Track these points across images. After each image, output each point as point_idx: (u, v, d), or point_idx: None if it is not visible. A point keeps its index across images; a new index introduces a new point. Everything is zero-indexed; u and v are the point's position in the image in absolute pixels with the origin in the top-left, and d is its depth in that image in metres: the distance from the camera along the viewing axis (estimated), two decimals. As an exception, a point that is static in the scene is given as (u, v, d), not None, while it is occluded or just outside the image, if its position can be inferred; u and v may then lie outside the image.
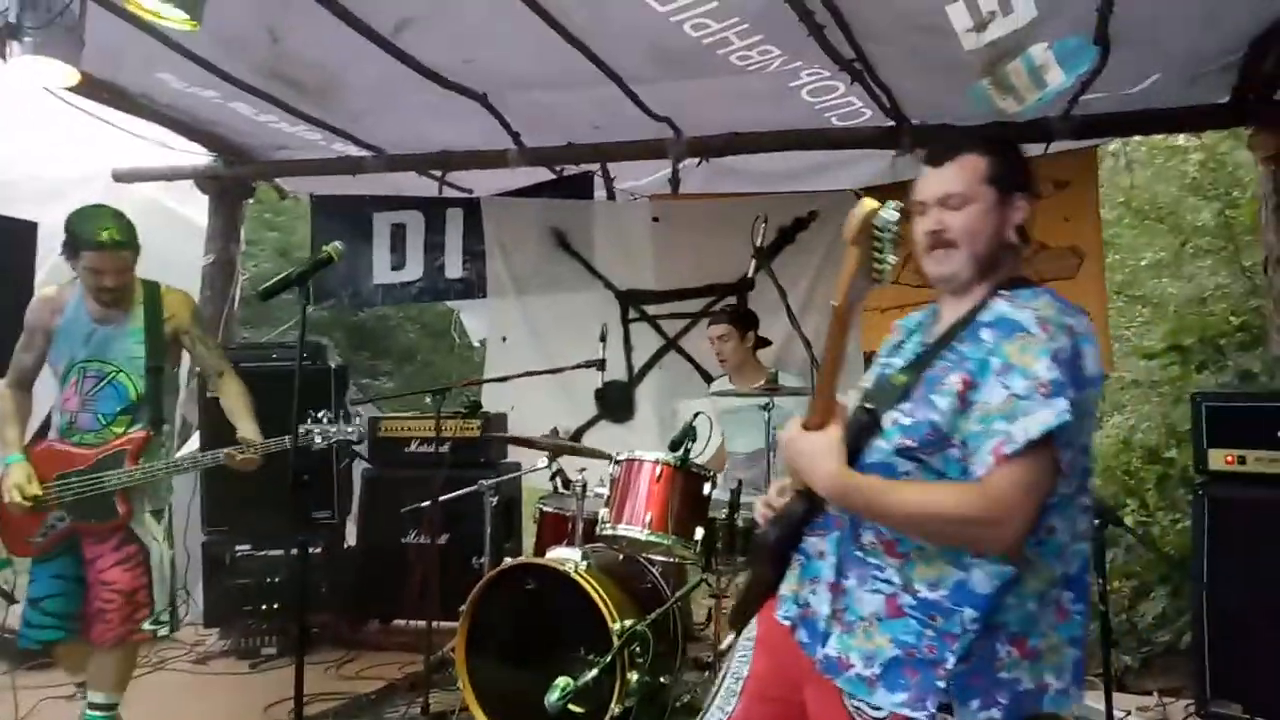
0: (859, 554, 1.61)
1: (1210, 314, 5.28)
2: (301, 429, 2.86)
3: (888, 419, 1.60)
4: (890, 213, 1.51)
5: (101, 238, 2.84)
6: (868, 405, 1.65)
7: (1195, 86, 3.91)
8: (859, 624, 1.58)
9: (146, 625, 2.91)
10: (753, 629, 1.78)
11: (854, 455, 1.60)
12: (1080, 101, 3.95)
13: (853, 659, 1.56)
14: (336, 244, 2.59)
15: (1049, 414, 1.43)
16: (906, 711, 1.51)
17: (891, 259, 1.52)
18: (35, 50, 3.01)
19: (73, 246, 2.90)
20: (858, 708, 1.56)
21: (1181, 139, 6.11)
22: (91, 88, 3.87)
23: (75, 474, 2.87)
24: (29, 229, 4.08)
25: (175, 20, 2.68)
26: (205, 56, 3.69)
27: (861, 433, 1.62)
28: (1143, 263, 6.95)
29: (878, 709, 1.54)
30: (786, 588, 1.72)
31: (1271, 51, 3.57)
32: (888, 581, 1.57)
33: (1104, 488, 5.26)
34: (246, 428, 3.03)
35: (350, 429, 2.94)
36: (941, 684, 1.50)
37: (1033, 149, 4.37)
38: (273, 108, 4.24)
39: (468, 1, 3.22)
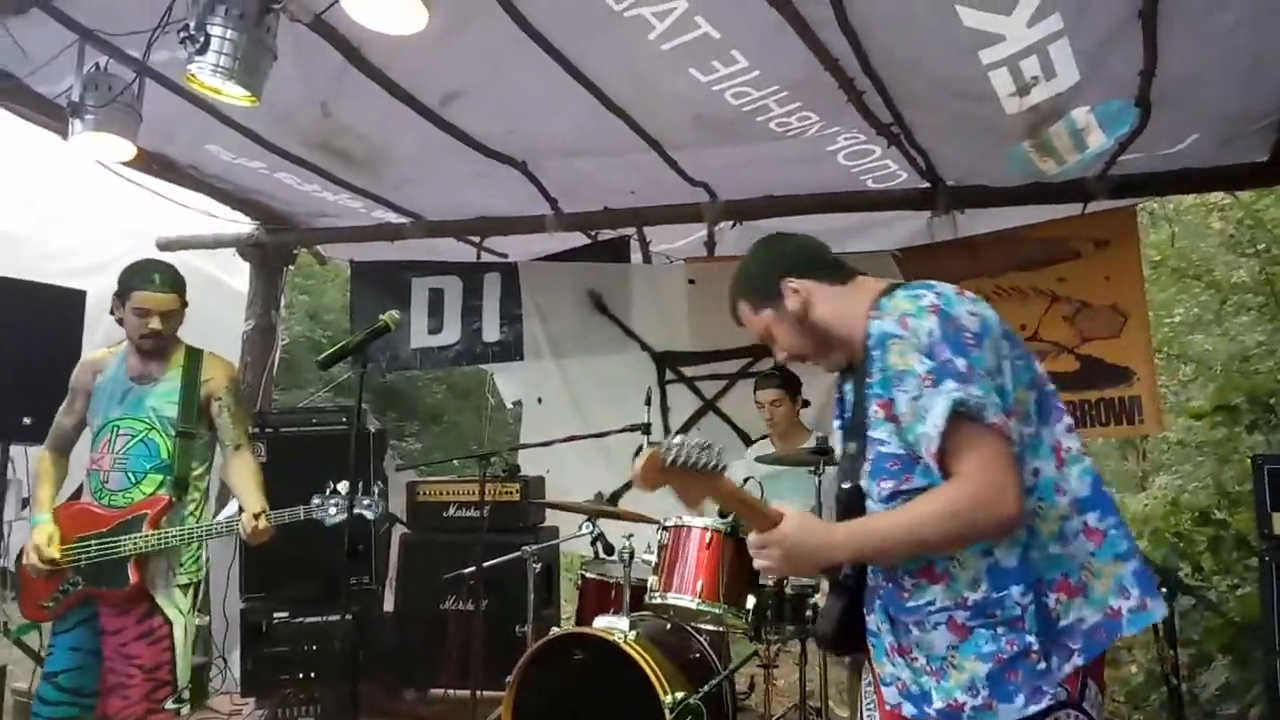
0: (910, 603, 1.63)
1: (1256, 372, 5.20)
2: (315, 501, 2.83)
3: (864, 481, 1.66)
4: (671, 450, 1.50)
5: (152, 278, 2.91)
6: (844, 485, 1.72)
7: (1232, 146, 3.91)
8: (945, 664, 1.60)
9: (169, 704, 2.81)
10: (868, 673, 1.83)
11: None
12: (1118, 162, 3.97)
13: (961, 697, 1.57)
14: (394, 313, 2.62)
15: (942, 400, 1.49)
16: (1033, 709, 1.51)
17: (712, 461, 1.53)
18: (96, 127, 3.11)
19: (123, 292, 2.93)
20: None
21: (1214, 197, 6.09)
22: (142, 161, 3.97)
23: (94, 536, 2.82)
24: (78, 297, 4.14)
25: (235, 97, 2.74)
26: (256, 129, 3.79)
27: (854, 506, 1.68)
28: (1177, 319, 6.89)
29: None
30: (880, 671, 1.73)
31: (1310, 111, 3.57)
32: (942, 609, 1.59)
33: (1153, 551, 5.13)
34: (254, 501, 2.92)
35: (368, 503, 2.84)
36: (1042, 666, 1.52)
37: (1070, 208, 4.39)
38: (316, 177, 4.33)
39: (515, 73, 3.28)
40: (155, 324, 2.90)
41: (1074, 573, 1.55)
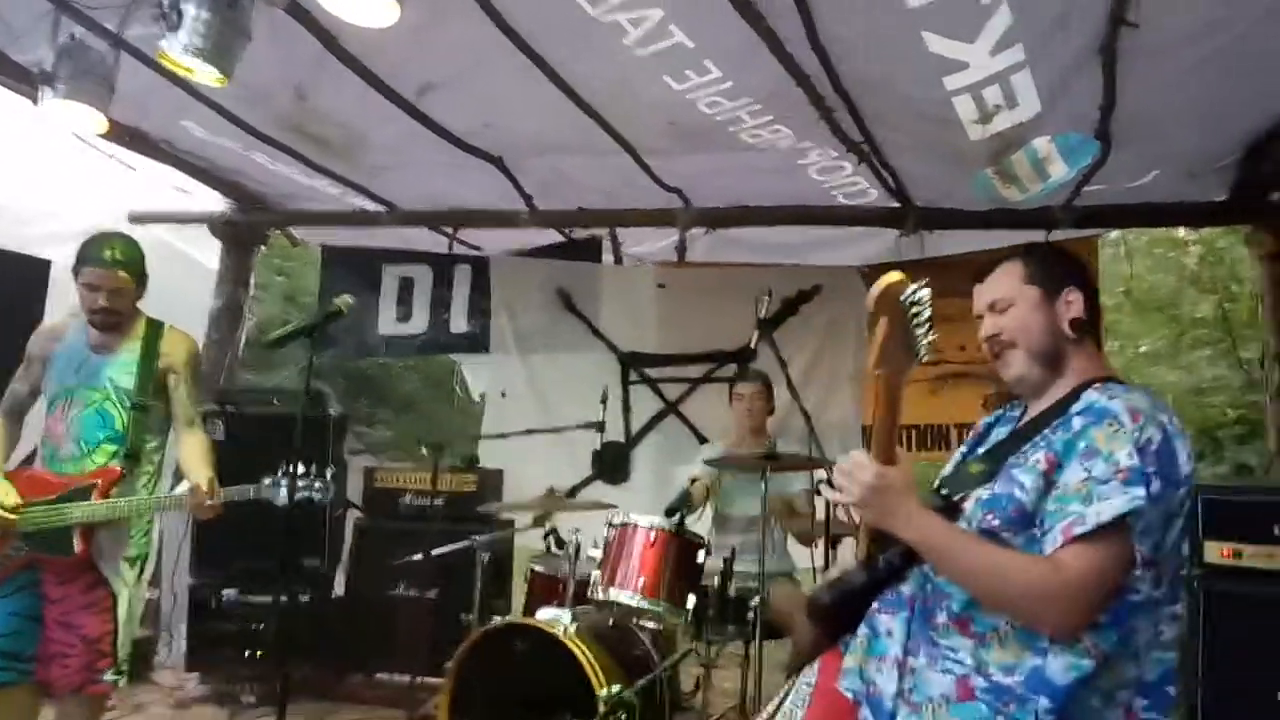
0: (931, 634, 1.60)
1: (1210, 405, 5.32)
2: (267, 480, 2.81)
3: (969, 501, 1.62)
4: (921, 290, 1.54)
5: (103, 255, 2.84)
6: (943, 491, 1.68)
7: (1195, 183, 4.01)
8: (927, 705, 1.56)
9: (108, 676, 2.79)
10: (811, 674, 1.80)
11: None
12: (1082, 192, 4.05)
13: None
14: (346, 298, 2.64)
15: (1124, 499, 1.45)
16: None
17: (927, 336, 1.55)
18: (67, 96, 3.10)
19: (76, 265, 2.89)
20: None
21: (1181, 231, 6.22)
22: (115, 132, 3.96)
23: (40, 503, 2.76)
24: (42, 266, 4.13)
25: (206, 76, 2.76)
26: (231, 108, 3.80)
27: (942, 515, 1.63)
28: (1141, 350, 7.02)
29: None
30: (852, 660, 1.71)
31: (1269, 155, 3.66)
32: (960, 662, 1.56)
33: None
34: (202, 475, 2.85)
35: (319, 486, 2.82)
36: None
37: (1035, 234, 4.47)
38: (292, 160, 4.34)
39: (490, 69, 3.32)
40: (103, 301, 2.86)
41: None
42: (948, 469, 1.81)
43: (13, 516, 2.73)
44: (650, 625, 3.26)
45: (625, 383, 5.02)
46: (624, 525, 3.12)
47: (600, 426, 3.57)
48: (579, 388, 4.73)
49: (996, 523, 1.57)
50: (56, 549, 2.77)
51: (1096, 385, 1.62)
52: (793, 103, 3.34)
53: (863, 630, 1.71)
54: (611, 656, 3.05)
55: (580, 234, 5.16)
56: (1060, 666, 1.48)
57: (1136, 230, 6.09)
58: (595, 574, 3.10)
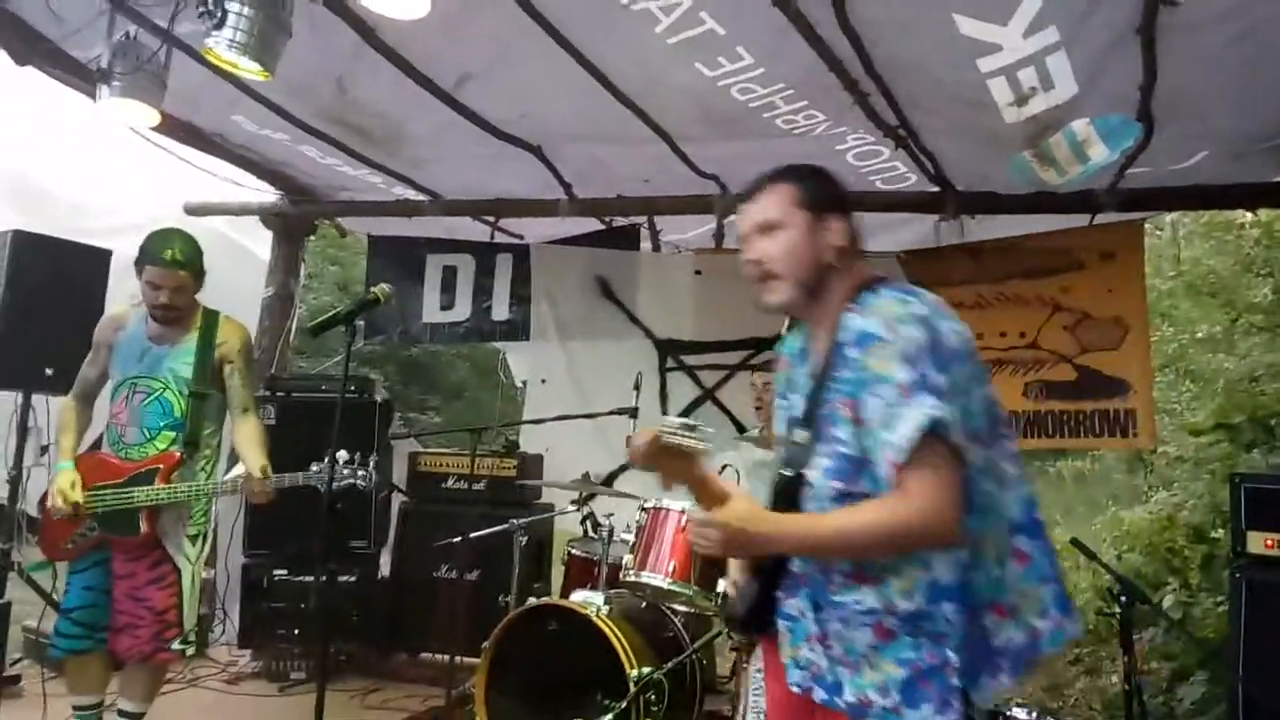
0: (836, 598, 1.65)
1: (1262, 393, 5.17)
2: (315, 468, 2.91)
3: (811, 472, 1.66)
4: (673, 436, 1.64)
5: (164, 255, 2.99)
6: (784, 471, 1.71)
7: (1242, 164, 3.89)
8: (862, 661, 1.62)
9: (175, 645, 2.98)
10: (758, 659, 1.84)
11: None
12: (1127, 175, 3.97)
13: (871, 695, 1.60)
14: (384, 286, 2.72)
15: (917, 413, 1.50)
16: None
17: (698, 442, 1.66)
18: (123, 94, 3.24)
19: (139, 262, 3.04)
20: None
21: (1235, 214, 6.04)
22: (170, 127, 4.10)
23: (109, 486, 2.96)
24: (103, 256, 4.29)
25: (250, 71, 2.86)
26: (278, 102, 3.91)
27: (791, 494, 1.68)
28: (1197, 336, 6.83)
29: None
30: (786, 655, 1.76)
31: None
32: (870, 611, 1.61)
33: (1147, 565, 5.14)
34: (256, 462, 3.02)
35: (363, 474, 2.91)
36: (955, 681, 1.53)
37: (1078, 219, 4.39)
38: (337, 151, 4.44)
39: (525, 59, 3.36)
40: (165, 298, 3.00)
41: (1007, 594, 1.59)
42: (780, 429, 1.84)
43: (69, 509, 2.91)
44: (683, 608, 3.30)
45: (663, 370, 5.06)
46: (656, 509, 3.16)
47: (634, 413, 3.60)
48: (617, 374, 4.75)
49: (841, 485, 1.62)
50: (125, 529, 2.96)
51: (851, 306, 1.64)
52: (826, 88, 3.33)
53: (781, 625, 1.76)
54: (643, 638, 3.11)
55: (619, 221, 5.20)
56: (945, 567, 1.55)
57: (1191, 214, 5.93)
58: (627, 558, 3.14)
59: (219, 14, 2.66)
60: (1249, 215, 5.58)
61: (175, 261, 2.99)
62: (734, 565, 1.91)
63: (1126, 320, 4.35)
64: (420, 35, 3.18)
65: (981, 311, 4.46)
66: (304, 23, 2.93)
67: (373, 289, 2.69)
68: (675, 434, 1.59)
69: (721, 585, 3.06)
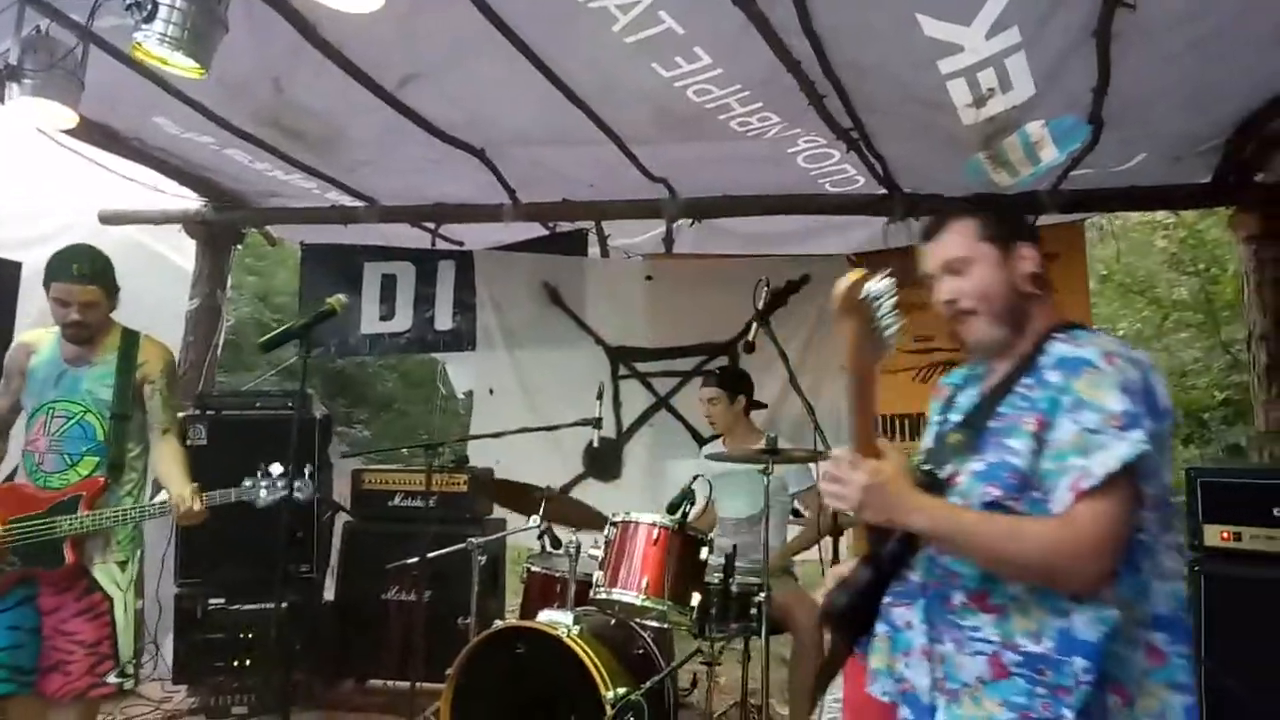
0: (951, 617, 1.56)
1: (1193, 387, 5.36)
2: (247, 482, 2.85)
3: (961, 475, 1.58)
4: (877, 284, 1.51)
5: (72, 269, 2.88)
6: (924, 467, 1.63)
7: (1179, 166, 4.02)
8: (964, 691, 1.52)
9: (111, 678, 2.85)
10: (838, 689, 1.77)
11: None
12: (1069, 176, 4.04)
13: None
14: (340, 296, 2.59)
15: (1125, 446, 1.42)
16: None
17: (891, 326, 1.52)
18: (35, 92, 3.00)
19: (46, 280, 2.93)
20: None
21: (1159, 215, 6.26)
22: (84, 130, 3.83)
23: (29, 518, 2.83)
24: (13, 269, 4.01)
25: (182, 68, 2.66)
26: (205, 103, 3.68)
27: (930, 491, 1.58)
28: (1120, 333, 7.07)
29: None
30: (877, 661, 1.67)
31: (1254, 136, 3.68)
32: (986, 640, 1.51)
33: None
34: (182, 484, 2.93)
35: (299, 485, 2.85)
36: None
37: (1021, 221, 4.46)
38: (268, 155, 4.23)
39: (475, 59, 3.23)
40: (75, 315, 2.89)
41: (1130, 682, 1.48)
42: (926, 441, 1.77)
43: None
44: (653, 624, 3.21)
45: (615, 377, 4.97)
46: (625, 523, 3.06)
47: (598, 423, 3.50)
48: (568, 383, 4.67)
49: (999, 493, 1.53)
50: (48, 562, 2.84)
51: (1059, 335, 1.59)
52: (783, 89, 3.29)
53: (881, 628, 1.67)
54: (615, 657, 3.00)
55: (565, 227, 5.09)
56: (1086, 623, 1.45)
57: (1120, 214, 6.12)
58: (598, 574, 3.04)
59: (149, 7, 2.46)
60: (1170, 216, 5.79)
61: (83, 275, 2.89)
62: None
63: (1070, 320, 4.43)
64: (365, 33, 3.03)
65: (932, 312, 4.46)
66: (240, 18, 2.75)
67: (328, 300, 2.54)
68: (882, 302, 1.46)
69: (695, 599, 3.00)
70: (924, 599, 1.61)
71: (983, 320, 1.64)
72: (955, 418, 1.69)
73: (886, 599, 1.67)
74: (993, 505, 1.52)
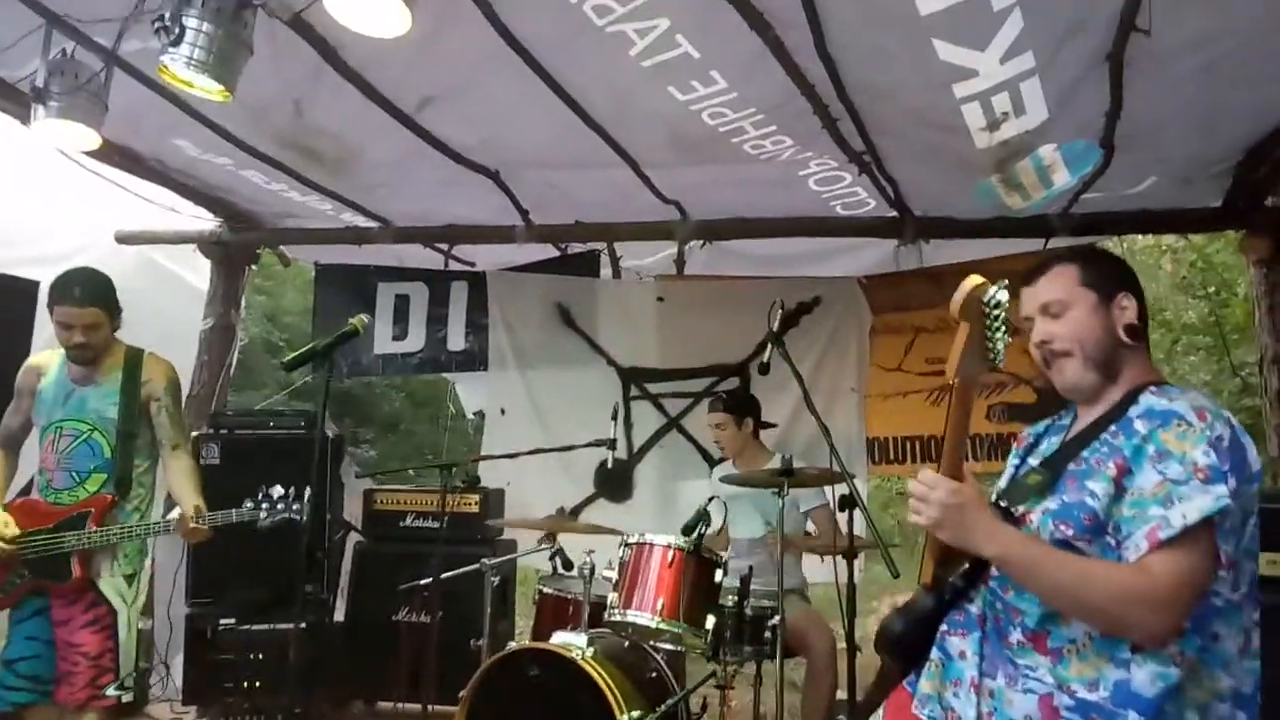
0: (1006, 653, 1.55)
1: (1204, 409, 5.34)
2: (248, 504, 2.90)
3: (1034, 513, 1.57)
4: (1001, 292, 1.51)
5: (72, 292, 2.95)
6: (1001, 503, 1.62)
7: (1189, 190, 4.04)
8: None
9: (111, 690, 2.90)
10: (878, 717, 1.75)
11: None
12: (1080, 200, 4.06)
13: None
14: (363, 317, 2.62)
15: (1207, 499, 1.41)
16: None
17: (1003, 340, 1.52)
18: (60, 115, 3.04)
19: (49, 304, 3.01)
20: None
21: (1167, 239, 6.27)
22: (105, 151, 3.88)
23: (40, 531, 2.90)
24: (30, 288, 4.04)
25: (208, 91, 2.69)
26: (226, 125, 3.72)
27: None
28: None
29: None
30: (928, 686, 1.67)
31: (1264, 160, 3.69)
32: (1040, 681, 1.50)
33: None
34: (189, 501, 3.00)
35: (297, 507, 2.88)
36: None
37: (1032, 244, 4.48)
38: (285, 176, 4.26)
39: (493, 82, 3.27)
40: (78, 338, 2.96)
41: None
42: (1002, 481, 1.77)
43: (11, 547, 2.87)
44: (667, 646, 3.19)
45: (626, 398, 4.98)
46: (640, 544, 3.06)
47: (612, 444, 3.51)
48: (579, 404, 4.68)
49: (1070, 532, 1.52)
50: (56, 575, 2.91)
51: (1151, 389, 1.59)
52: (797, 112, 3.32)
53: (935, 654, 1.66)
54: (629, 680, 2.99)
55: (577, 248, 5.11)
56: (1146, 677, 1.43)
57: (1126, 238, 6.12)
58: (611, 595, 3.03)
59: (176, 30, 2.50)
60: (1182, 239, 5.80)
61: (84, 298, 2.96)
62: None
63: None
64: (385, 55, 3.06)
65: (943, 335, 4.50)
66: (262, 40, 2.78)
67: (350, 320, 2.57)
68: (1001, 306, 1.47)
69: (710, 621, 2.98)
70: (980, 632, 1.60)
71: (1075, 363, 1.64)
72: (1034, 461, 1.69)
73: (943, 627, 1.67)
74: (1062, 544, 1.52)
